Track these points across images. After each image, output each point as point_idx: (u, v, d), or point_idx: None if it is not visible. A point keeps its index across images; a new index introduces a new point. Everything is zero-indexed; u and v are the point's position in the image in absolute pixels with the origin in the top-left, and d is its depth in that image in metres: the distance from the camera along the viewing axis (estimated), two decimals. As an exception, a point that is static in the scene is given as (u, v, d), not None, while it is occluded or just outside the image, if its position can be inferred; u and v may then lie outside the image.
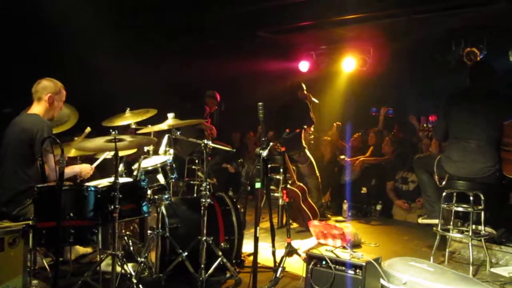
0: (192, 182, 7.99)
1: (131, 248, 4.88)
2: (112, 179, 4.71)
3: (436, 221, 5.44)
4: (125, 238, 4.91)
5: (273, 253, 4.71)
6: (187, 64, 9.22)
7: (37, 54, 7.37)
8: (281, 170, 6.56)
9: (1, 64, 7.23)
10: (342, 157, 8.62)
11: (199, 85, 9.08)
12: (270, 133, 9.49)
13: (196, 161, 8.03)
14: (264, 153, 3.39)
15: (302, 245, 5.95)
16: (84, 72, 7.67)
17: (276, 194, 7.14)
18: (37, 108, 4.41)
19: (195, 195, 7.95)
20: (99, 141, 4.08)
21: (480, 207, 5.17)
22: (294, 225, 7.11)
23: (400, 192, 8.05)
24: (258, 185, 3.36)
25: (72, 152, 5.17)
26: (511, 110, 5.22)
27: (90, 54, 7.62)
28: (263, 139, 3.55)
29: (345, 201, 7.91)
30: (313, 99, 7.79)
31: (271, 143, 3.51)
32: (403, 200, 7.93)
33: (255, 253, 3.45)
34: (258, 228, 3.38)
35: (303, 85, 7.50)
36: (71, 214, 3.81)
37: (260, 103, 3.67)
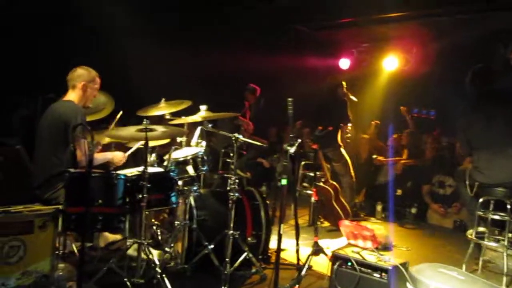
0: (226, 175, 7.98)
1: (159, 238, 4.92)
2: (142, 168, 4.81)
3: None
4: (154, 227, 4.95)
5: (297, 251, 4.67)
6: (226, 57, 9.22)
7: (76, 42, 7.50)
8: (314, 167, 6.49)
9: (45, 51, 7.40)
10: (374, 156, 8.50)
11: (238, 78, 9.08)
12: (306, 130, 9.45)
13: (231, 154, 8.01)
14: (292, 149, 3.35)
15: (332, 244, 5.87)
16: (122, 61, 7.76)
17: (309, 192, 7.07)
18: (72, 95, 4.47)
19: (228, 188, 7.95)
20: (131, 130, 4.11)
21: (518, 216, 5.00)
22: (326, 223, 7.05)
23: (436, 196, 7.86)
24: (284, 182, 3.32)
25: (107, 140, 5.25)
26: None
27: (129, 43, 7.71)
28: (292, 135, 3.51)
29: (379, 202, 7.77)
30: (352, 97, 7.68)
31: (299, 140, 3.46)
32: (439, 204, 7.75)
33: (278, 250, 3.43)
34: (282, 225, 3.34)
35: (343, 83, 7.40)
36: (100, 201, 3.85)
37: (289, 99, 3.63)
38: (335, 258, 3.91)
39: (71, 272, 4.08)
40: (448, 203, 7.66)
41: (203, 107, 4.79)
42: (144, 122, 3.99)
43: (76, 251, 4.61)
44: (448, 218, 7.61)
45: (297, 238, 4.62)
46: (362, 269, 3.78)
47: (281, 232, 3.32)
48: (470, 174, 5.31)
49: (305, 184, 7.50)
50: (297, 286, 4.18)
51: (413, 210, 7.87)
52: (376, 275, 3.72)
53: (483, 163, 5.13)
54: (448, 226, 7.52)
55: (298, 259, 4.65)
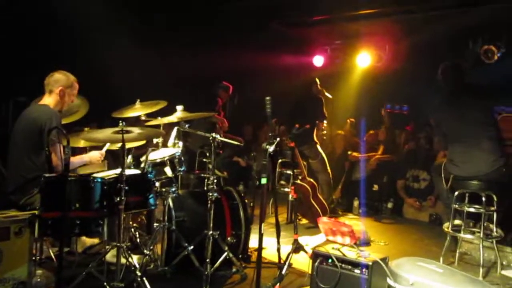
0: (202, 175, 7.94)
1: (138, 240, 4.87)
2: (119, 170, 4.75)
3: None
4: (132, 230, 4.89)
5: (278, 250, 4.67)
6: (199, 56, 9.17)
7: (49, 44, 7.37)
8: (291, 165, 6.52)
9: (15, 54, 7.26)
10: (349, 152, 8.56)
11: (211, 77, 9.04)
12: (282, 128, 9.43)
13: (207, 154, 7.99)
14: (271, 148, 3.34)
15: (311, 241, 5.90)
16: (94, 63, 7.66)
17: (286, 190, 7.10)
18: (48, 100, 4.41)
19: (205, 188, 7.92)
20: (107, 132, 4.06)
21: (492, 208, 5.09)
22: (304, 221, 7.07)
23: (411, 191, 7.96)
24: (264, 180, 3.31)
25: (82, 143, 5.18)
26: (491, 99, 5.35)
27: (101, 45, 7.62)
28: (270, 134, 3.50)
29: (356, 198, 7.83)
30: (327, 94, 7.72)
31: (278, 139, 3.46)
32: (414, 198, 7.85)
33: (259, 249, 3.41)
34: (263, 224, 3.33)
35: (317, 80, 7.43)
36: (77, 205, 3.79)
37: (267, 98, 3.63)
38: (316, 255, 3.92)
39: (49, 278, 4.02)
40: (423, 197, 7.76)
41: (179, 108, 4.75)
42: (120, 124, 3.94)
43: (53, 256, 4.54)
44: (423, 212, 7.71)
45: (278, 237, 4.63)
46: (343, 265, 3.79)
47: (262, 232, 3.31)
48: (445, 167, 5.41)
49: (282, 182, 7.52)
50: (278, 284, 4.17)
51: (389, 205, 7.97)
52: (357, 271, 3.74)
53: (458, 156, 5.24)
54: (424, 220, 7.62)
55: (280, 258, 4.64)
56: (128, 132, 3.98)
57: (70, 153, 3.43)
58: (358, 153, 8.65)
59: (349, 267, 3.79)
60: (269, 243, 5.79)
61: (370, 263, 3.70)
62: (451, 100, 5.43)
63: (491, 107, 5.32)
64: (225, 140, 5.04)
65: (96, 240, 5.15)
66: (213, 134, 4.49)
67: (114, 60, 7.88)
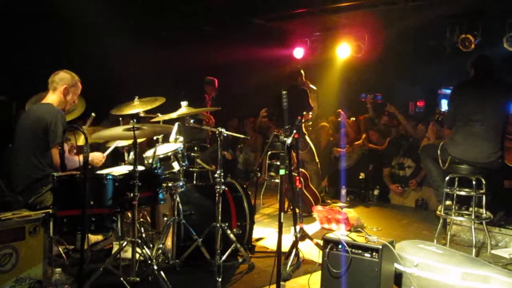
0: (191, 169, 8.01)
1: (143, 235, 4.92)
2: (122, 167, 4.80)
3: None
4: (137, 225, 4.94)
5: (296, 237, 4.77)
6: (181, 51, 9.21)
7: (38, 42, 7.28)
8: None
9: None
10: (334, 149, 8.72)
11: (193, 73, 9.09)
12: (264, 120, 9.54)
13: (195, 148, 8.08)
14: (289, 140, 3.45)
15: (306, 230, 6.03)
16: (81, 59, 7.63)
17: (277, 181, 7.22)
18: (51, 98, 4.44)
19: (194, 182, 8.01)
20: (117, 130, 4.11)
21: (481, 191, 5.31)
22: (296, 210, 7.20)
23: (397, 178, 8.17)
24: (282, 171, 3.42)
25: (81, 141, 5.18)
26: None
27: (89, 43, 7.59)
28: (287, 126, 3.60)
29: (343, 186, 8.01)
30: (311, 85, 7.84)
31: (294, 131, 3.57)
32: (397, 184, 8.07)
33: (279, 238, 3.50)
34: (282, 214, 3.43)
35: (302, 72, 7.52)
36: (92, 202, 3.84)
37: (284, 92, 3.72)
38: (326, 241, 4.04)
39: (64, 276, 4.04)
40: (407, 183, 7.98)
41: (184, 103, 4.80)
42: (132, 122, 3.99)
43: (63, 254, 4.56)
44: (408, 198, 7.95)
45: (295, 226, 4.76)
46: (353, 250, 3.93)
47: (282, 221, 3.42)
48: (444, 147, 5.54)
49: (272, 174, 7.66)
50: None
51: (376, 192, 8.18)
52: (367, 255, 3.88)
53: (462, 137, 5.37)
54: (410, 205, 7.87)
55: (297, 247, 4.74)
56: (138, 129, 4.03)
57: (89, 151, 3.46)
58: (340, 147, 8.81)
59: (359, 251, 3.93)
60: (267, 233, 5.92)
61: (380, 247, 3.85)
62: (477, 82, 5.53)
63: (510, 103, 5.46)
64: (232, 134, 5.11)
65: (100, 237, 5.17)
66: (219, 129, 4.55)
67: (97, 57, 7.86)
